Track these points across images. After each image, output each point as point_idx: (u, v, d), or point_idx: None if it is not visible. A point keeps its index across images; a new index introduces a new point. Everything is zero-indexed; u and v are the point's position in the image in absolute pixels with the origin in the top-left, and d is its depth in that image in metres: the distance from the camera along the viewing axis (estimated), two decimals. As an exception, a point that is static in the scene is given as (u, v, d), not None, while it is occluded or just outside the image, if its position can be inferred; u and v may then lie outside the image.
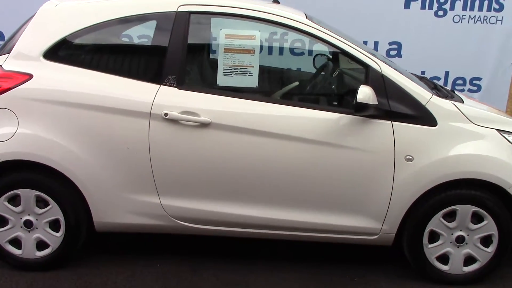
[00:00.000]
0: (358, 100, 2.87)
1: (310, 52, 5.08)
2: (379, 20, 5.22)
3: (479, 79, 5.49)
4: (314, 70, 4.46)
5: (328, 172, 3.04)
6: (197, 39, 3.39)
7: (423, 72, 5.23)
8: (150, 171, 3.04)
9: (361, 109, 2.91)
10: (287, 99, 3.40)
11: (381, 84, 3.02)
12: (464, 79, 5.49)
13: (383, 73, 3.05)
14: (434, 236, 3.15)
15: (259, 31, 3.12)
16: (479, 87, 5.51)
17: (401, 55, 5.35)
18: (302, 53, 5.15)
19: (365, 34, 5.14)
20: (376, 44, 5.31)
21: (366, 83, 3.02)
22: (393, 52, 5.35)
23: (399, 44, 5.34)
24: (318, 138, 3.00)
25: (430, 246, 3.16)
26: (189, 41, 3.07)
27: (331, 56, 4.38)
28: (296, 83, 3.66)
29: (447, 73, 5.46)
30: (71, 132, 2.99)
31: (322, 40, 3.08)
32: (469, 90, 5.49)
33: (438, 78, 5.41)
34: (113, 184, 3.06)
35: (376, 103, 2.92)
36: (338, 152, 3.01)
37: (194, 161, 3.02)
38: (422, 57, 5.30)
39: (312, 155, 3.02)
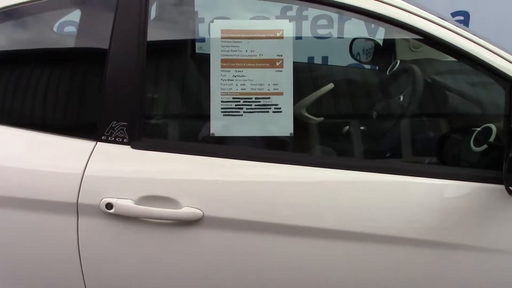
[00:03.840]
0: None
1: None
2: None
3: None
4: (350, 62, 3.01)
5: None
6: (166, 40, 1.82)
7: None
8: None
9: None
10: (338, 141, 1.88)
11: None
12: (552, 56, 4.09)
13: (544, 92, 1.52)
14: None
15: (290, 20, 1.55)
16: None
17: (469, 30, 3.96)
18: (329, 36, 3.67)
19: (423, 2, 3.76)
20: (437, 16, 3.90)
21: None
22: (458, 26, 3.96)
23: (466, 15, 4.04)
24: (421, 235, 1.48)
25: None
26: (150, 45, 1.51)
27: (380, 43, 2.90)
28: (331, 85, 2.16)
29: (529, 49, 4.06)
30: None
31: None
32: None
33: (518, 56, 4.03)
34: None
35: (547, 161, 1.39)
36: (462, 259, 1.51)
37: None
38: (496, 30, 3.89)
39: (408, 269, 1.51)
